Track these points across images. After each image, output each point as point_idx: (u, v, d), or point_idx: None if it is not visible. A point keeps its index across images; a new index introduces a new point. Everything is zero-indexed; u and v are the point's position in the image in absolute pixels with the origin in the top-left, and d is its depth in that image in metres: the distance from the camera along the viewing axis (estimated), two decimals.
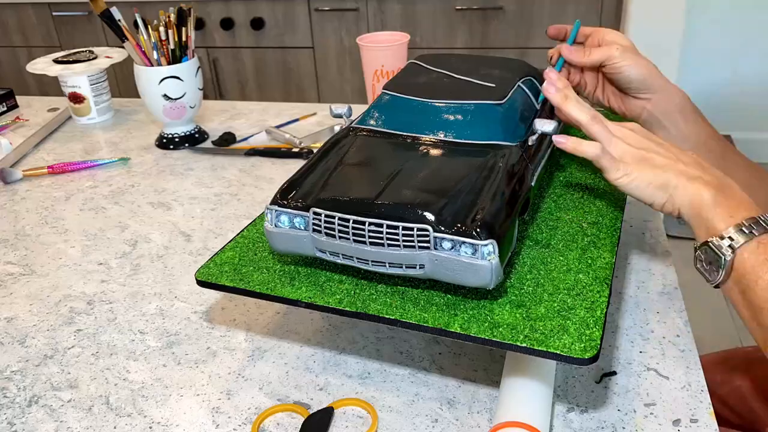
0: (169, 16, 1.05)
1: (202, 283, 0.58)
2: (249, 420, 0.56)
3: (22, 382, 0.62)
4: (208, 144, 1.14)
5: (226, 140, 1.13)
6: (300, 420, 0.56)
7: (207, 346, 0.65)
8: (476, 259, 0.48)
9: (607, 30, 0.70)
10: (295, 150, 1.06)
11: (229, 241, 0.63)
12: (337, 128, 0.66)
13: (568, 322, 0.49)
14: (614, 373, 0.58)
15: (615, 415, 0.54)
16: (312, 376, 0.61)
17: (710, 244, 0.51)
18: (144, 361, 0.64)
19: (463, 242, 0.48)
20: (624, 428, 0.53)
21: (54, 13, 2.46)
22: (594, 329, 0.48)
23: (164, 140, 1.13)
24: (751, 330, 0.50)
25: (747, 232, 0.49)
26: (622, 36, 0.69)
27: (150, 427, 0.56)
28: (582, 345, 0.47)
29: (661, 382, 0.57)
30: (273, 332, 0.66)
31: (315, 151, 1.05)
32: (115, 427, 0.56)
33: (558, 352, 0.47)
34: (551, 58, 0.72)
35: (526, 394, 0.52)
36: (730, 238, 0.50)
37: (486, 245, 0.48)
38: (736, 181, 0.55)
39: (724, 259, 0.49)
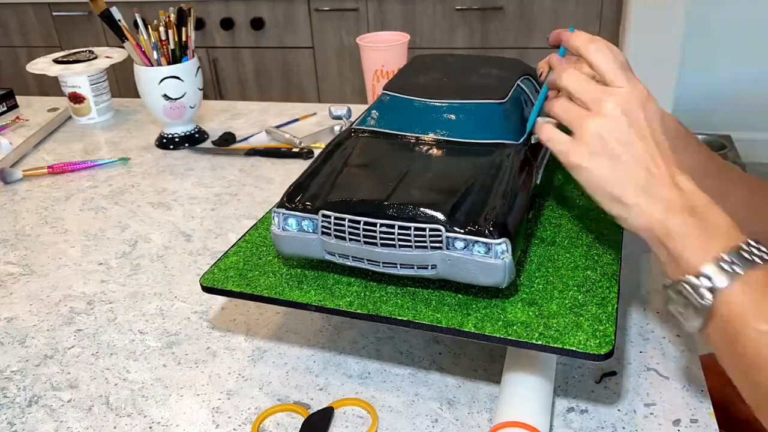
0: (169, 16, 1.05)
1: (208, 289, 0.58)
2: (249, 420, 0.56)
3: (22, 382, 0.62)
4: (208, 144, 1.14)
5: (226, 140, 1.13)
6: (300, 420, 0.56)
7: (207, 346, 0.65)
8: (489, 258, 0.48)
9: (596, 48, 0.50)
10: (295, 150, 1.06)
11: (232, 246, 0.63)
12: (337, 128, 0.65)
13: (581, 318, 0.49)
14: (614, 373, 0.58)
15: (615, 415, 0.54)
16: (312, 376, 0.61)
17: (684, 285, 0.42)
18: (144, 361, 0.64)
19: (477, 241, 0.48)
20: (624, 428, 0.53)
21: (54, 13, 2.46)
22: (607, 325, 0.48)
23: (164, 140, 1.13)
24: (740, 386, 0.41)
25: (729, 269, 0.40)
26: (613, 58, 0.50)
27: (150, 427, 0.56)
28: (597, 341, 0.47)
29: (661, 382, 0.57)
30: (273, 332, 0.66)
31: (315, 151, 1.05)
32: (115, 427, 0.56)
33: (573, 348, 0.47)
34: (541, 74, 0.63)
35: (526, 394, 0.52)
36: (708, 278, 0.40)
37: (499, 244, 0.48)
38: (736, 200, 0.48)
39: (703, 306, 0.40)
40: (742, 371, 0.40)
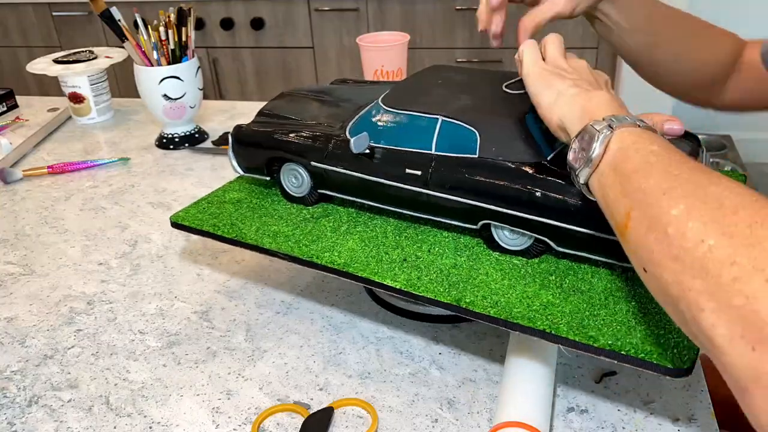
0: (169, 16, 1.05)
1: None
2: (249, 420, 0.56)
3: (22, 382, 0.62)
4: (208, 144, 1.14)
5: (226, 140, 1.13)
6: (300, 420, 0.56)
7: (207, 346, 0.65)
8: None
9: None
10: None
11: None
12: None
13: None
14: (614, 373, 0.58)
15: (615, 415, 0.54)
16: (312, 376, 0.61)
17: (588, 126, 0.44)
18: (144, 361, 0.64)
19: None
20: (624, 428, 0.53)
21: (54, 13, 2.46)
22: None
23: (164, 140, 1.13)
24: (612, 216, 0.42)
25: (629, 120, 0.43)
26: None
27: (150, 427, 0.56)
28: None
29: (661, 382, 0.57)
30: (273, 332, 0.66)
31: None
32: (115, 427, 0.56)
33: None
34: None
35: (526, 394, 0.52)
36: (611, 119, 0.43)
37: None
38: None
39: (599, 136, 0.42)
40: (622, 191, 0.40)
